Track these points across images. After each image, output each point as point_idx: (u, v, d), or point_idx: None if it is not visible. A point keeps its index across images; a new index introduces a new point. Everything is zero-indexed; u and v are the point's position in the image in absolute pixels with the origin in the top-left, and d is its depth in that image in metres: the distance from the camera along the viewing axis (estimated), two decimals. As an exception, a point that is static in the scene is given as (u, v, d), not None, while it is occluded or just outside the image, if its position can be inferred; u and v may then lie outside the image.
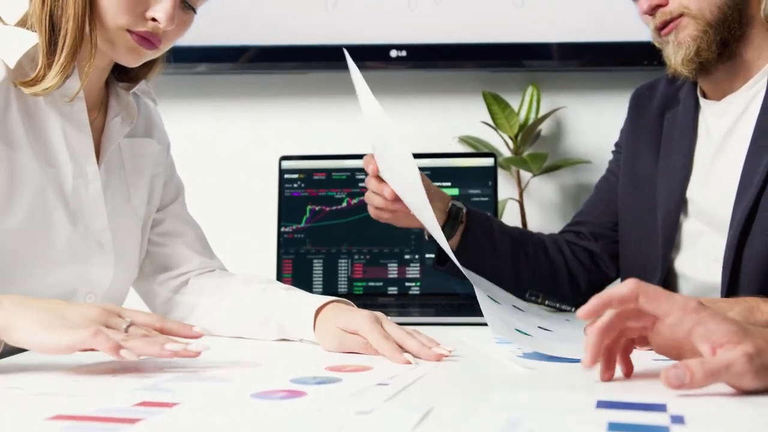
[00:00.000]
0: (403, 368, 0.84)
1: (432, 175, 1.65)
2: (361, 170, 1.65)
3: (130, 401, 0.67)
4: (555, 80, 1.91)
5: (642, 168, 1.35)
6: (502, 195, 1.79)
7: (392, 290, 1.65)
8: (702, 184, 1.25)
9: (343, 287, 1.65)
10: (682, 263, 1.26)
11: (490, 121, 1.83)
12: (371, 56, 1.86)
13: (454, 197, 1.32)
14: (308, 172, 1.70)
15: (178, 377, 0.79)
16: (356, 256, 1.66)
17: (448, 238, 1.26)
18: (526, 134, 1.82)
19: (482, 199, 1.65)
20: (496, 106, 1.82)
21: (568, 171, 1.90)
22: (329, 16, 1.87)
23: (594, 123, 1.90)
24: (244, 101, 1.96)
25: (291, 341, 1.06)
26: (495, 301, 1.07)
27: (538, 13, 1.84)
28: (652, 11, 1.22)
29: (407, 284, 1.65)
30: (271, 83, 1.95)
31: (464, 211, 1.29)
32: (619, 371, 0.77)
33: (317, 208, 1.69)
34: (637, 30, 1.68)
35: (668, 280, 1.27)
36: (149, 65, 1.12)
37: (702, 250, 1.23)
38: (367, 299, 1.59)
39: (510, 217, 1.83)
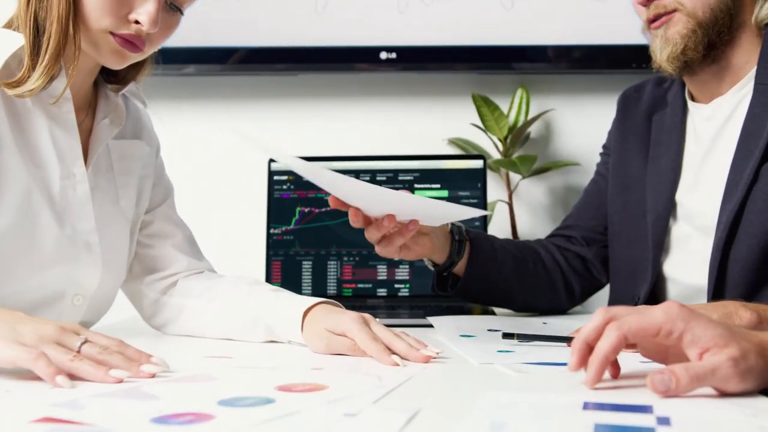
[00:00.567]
0: (388, 370, 0.84)
1: (421, 176, 1.65)
2: (349, 172, 1.66)
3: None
4: (544, 83, 1.92)
5: (630, 171, 1.35)
6: (491, 197, 1.80)
7: (381, 292, 1.64)
8: (690, 188, 1.25)
9: (332, 289, 1.65)
10: (670, 266, 1.27)
11: (480, 123, 1.83)
12: (361, 58, 1.86)
13: (442, 198, 1.32)
14: (297, 174, 1.69)
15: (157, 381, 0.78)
16: (345, 258, 1.66)
17: (458, 259, 1.27)
18: (516, 136, 1.83)
19: (471, 201, 1.65)
20: (486, 108, 1.83)
21: (557, 173, 1.90)
22: (319, 18, 1.87)
23: (583, 125, 1.91)
24: (233, 103, 1.96)
25: (279, 343, 1.06)
26: (469, 336, 1.07)
27: (527, 15, 1.85)
28: (647, 2, 1.22)
29: (396, 286, 1.64)
30: (261, 85, 1.95)
31: (464, 228, 1.29)
32: (606, 373, 0.77)
33: (306, 210, 1.68)
34: (626, 33, 1.70)
35: (657, 284, 1.27)
36: (138, 67, 1.11)
37: (690, 253, 1.23)
38: (356, 301, 1.59)
39: (499, 219, 1.84)
